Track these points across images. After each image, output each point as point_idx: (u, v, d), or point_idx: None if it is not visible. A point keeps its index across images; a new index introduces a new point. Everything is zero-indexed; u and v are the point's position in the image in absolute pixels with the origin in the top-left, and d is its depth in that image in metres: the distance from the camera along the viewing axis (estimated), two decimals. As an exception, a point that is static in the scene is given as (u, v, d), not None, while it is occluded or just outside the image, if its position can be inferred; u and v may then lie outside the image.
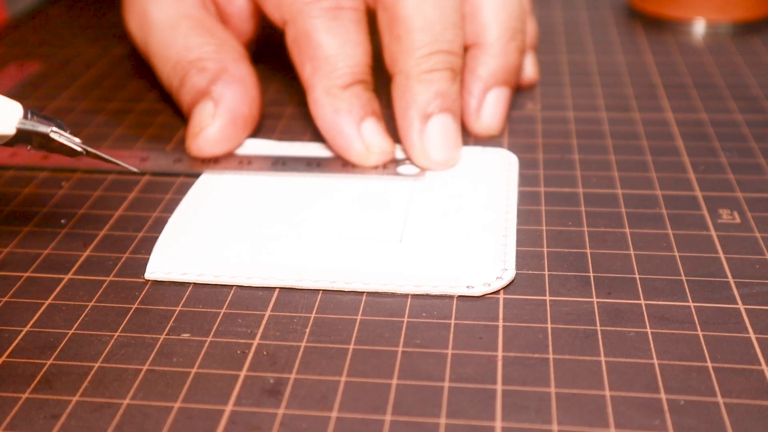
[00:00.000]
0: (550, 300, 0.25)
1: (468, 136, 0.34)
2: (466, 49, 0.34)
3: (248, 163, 0.32)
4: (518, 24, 0.34)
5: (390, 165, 0.32)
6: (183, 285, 0.26)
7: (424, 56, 0.31)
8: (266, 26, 0.38)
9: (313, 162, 0.32)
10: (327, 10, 0.31)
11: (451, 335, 0.24)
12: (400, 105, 0.31)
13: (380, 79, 0.33)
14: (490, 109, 0.34)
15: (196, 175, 0.32)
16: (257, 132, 0.36)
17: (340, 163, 0.32)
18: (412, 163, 0.32)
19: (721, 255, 0.27)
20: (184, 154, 0.33)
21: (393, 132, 0.33)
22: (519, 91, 0.39)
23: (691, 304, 0.25)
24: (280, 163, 0.32)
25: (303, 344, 0.23)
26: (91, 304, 0.25)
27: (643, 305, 0.25)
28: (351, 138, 0.31)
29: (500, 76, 0.34)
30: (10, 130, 0.25)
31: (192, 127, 0.33)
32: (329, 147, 0.33)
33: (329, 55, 0.31)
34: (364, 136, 0.31)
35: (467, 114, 0.34)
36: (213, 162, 0.32)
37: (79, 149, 0.26)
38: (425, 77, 0.31)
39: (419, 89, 0.31)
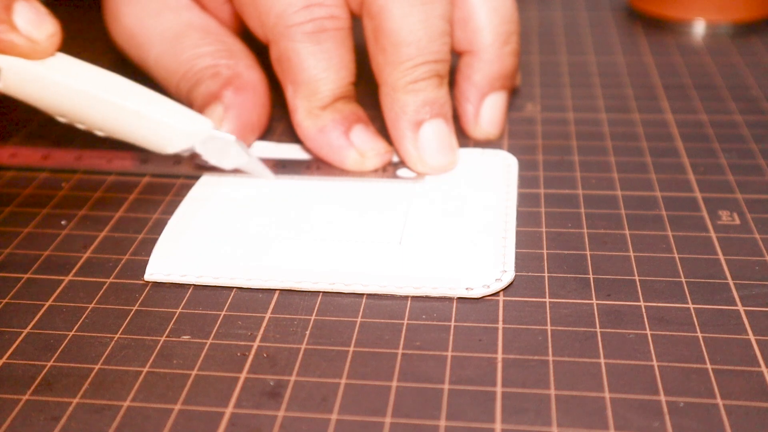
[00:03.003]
0: (550, 302, 0.25)
1: (467, 139, 0.34)
2: (460, 54, 0.34)
3: None
4: (512, 26, 0.34)
5: (389, 168, 0.32)
6: (183, 287, 0.26)
7: (409, 68, 0.31)
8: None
9: (313, 165, 0.32)
10: (309, 34, 0.31)
11: (451, 337, 0.24)
12: (389, 116, 0.31)
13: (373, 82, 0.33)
14: (487, 115, 0.34)
15: (196, 177, 0.32)
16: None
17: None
18: (411, 170, 0.32)
19: (721, 256, 0.27)
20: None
21: (385, 134, 0.32)
22: (518, 92, 0.39)
23: (690, 305, 0.25)
24: (281, 166, 0.32)
25: (303, 346, 0.23)
26: (92, 305, 0.25)
27: (643, 307, 0.25)
28: (342, 149, 0.31)
29: (496, 82, 0.34)
30: (207, 132, 0.30)
31: None
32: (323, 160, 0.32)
33: (310, 80, 0.31)
34: (355, 144, 0.31)
35: (465, 121, 0.34)
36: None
37: (237, 164, 0.31)
38: (411, 87, 0.31)
39: (407, 99, 0.31)
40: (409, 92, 0.31)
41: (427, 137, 0.31)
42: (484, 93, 0.34)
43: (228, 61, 0.33)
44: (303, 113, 0.31)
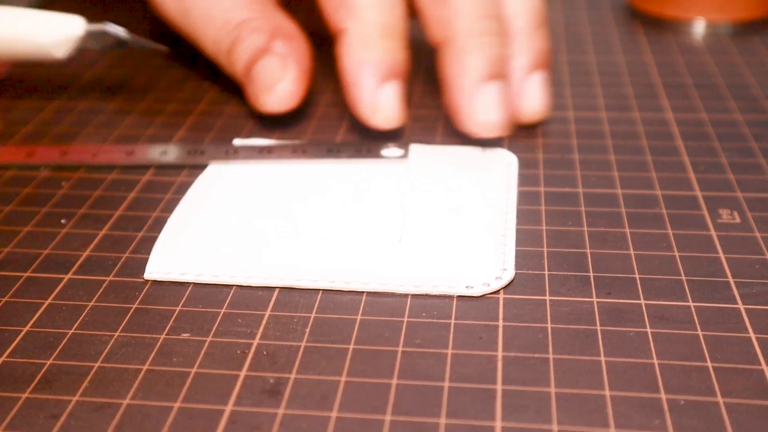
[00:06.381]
0: (550, 300, 0.25)
1: (467, 137, 0.34)
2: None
3: (234, 152, 0.32)
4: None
5: (373, 148, 0.32)
6: (183, 285, 0.26)
7: (476, 20, 0.31)
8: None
9: (298, 148, 0.32)
10: None
11: (451, 335, 0.24)
12: (453, 69, 0.31)
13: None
14: (533, 93, 0.34)
15: (196, 175, 0.32)
16: (254, 133, 0.36)
17: (324, 149, 0.32)
18: (461, 128, 0.31)
19: (721, 255, 0.27)
20: (170, 146, 0.33)
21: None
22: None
23: (691, 303, 0.25)
24: (266, 151, 0.32)
25: (303, 344, 0.23)
26: (91, 304, 0.25)
27: (643, 305, 0.25)
28: (365, 92, 0.31)
29: (537, 61, 0.34)
30: (80, 31, 0.34)
31: (261, 84, 0.33)
32: (344, 94, 0.32)
33: (376, 2, 0.31)
34: (379, 96, 0.31)
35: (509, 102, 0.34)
36: (199, 153, 0.33)
37: (127, 37, 0.35)
38: (479, 42, 0.31)
39: (474, 54, 0.31)
40: (476, 46, 0.31)
41: (488, 95, 0.31)
42: (526, 73, 0.34)
43: (264, 14, 0.33)
44: (355, 37, 0.31)
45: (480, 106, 0.31)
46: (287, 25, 0.34)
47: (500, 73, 0.32)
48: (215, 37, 0.35)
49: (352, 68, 0.31)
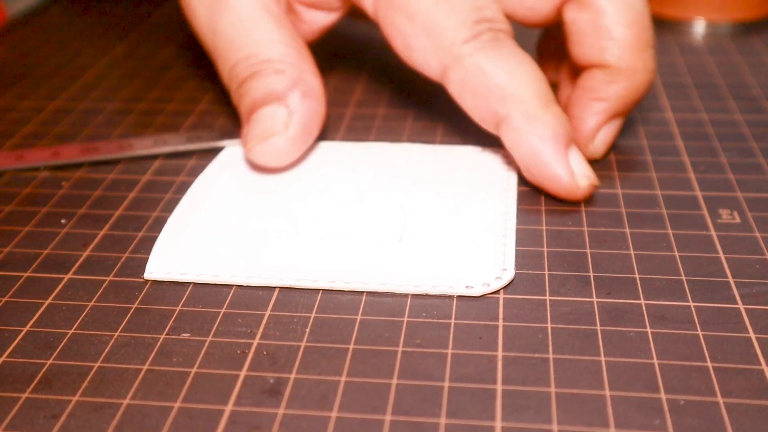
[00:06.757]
0: (550, 300, 0.25)
1: (467, 137, 0.34)
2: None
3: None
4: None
5: (204, 136, 0.34)
6: (183, 285, 0.26)
7: (639, 49, 0.31)
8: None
9: (125, 143, 0.34)
10: (489, 41, 0.30)
11: (451, 335, 0.24)
12: (596, 95, 0.31)
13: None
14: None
15: (196, 175, 0.32)
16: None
17: (150, 141, 0.34)
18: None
19: (721, 255, 0.27)
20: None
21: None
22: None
23: (691, 303, 0.25)
24: (92, 150, 0.34)
25: (303, 344, 0.23)
26: (91, 303, 0.25)
27: (643, 305, 0.25)
28: (560, 168, 0.29)
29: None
30: None
31: (259, 131, 0.31)
32: (527, 176, 0.30)
33: (518, 77, 0.30)
34: (572, 166, 0.29)
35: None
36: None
37: None
38: (643, 66, 0.31)
39: (619, 89, 0.31)
40: (626, 81, 0.31)
41: (612, 130, 0.32)
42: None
43: (295, 61, 0.32)
44: (519, 117, 0.29)
45: (604, 139, 0.32)
46: (313, 80, 0.32)
47: (625, 112, 0.32)
48: (236, 64, 0.33)
49: (533, 148, 0.29)
